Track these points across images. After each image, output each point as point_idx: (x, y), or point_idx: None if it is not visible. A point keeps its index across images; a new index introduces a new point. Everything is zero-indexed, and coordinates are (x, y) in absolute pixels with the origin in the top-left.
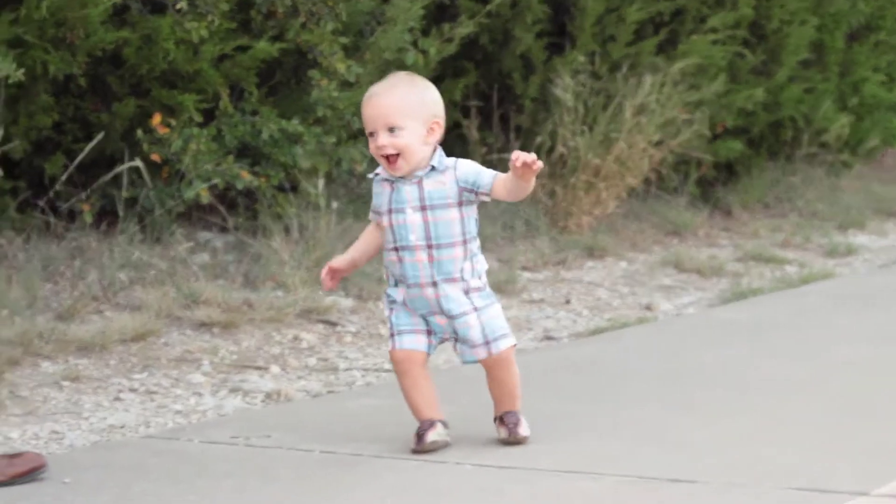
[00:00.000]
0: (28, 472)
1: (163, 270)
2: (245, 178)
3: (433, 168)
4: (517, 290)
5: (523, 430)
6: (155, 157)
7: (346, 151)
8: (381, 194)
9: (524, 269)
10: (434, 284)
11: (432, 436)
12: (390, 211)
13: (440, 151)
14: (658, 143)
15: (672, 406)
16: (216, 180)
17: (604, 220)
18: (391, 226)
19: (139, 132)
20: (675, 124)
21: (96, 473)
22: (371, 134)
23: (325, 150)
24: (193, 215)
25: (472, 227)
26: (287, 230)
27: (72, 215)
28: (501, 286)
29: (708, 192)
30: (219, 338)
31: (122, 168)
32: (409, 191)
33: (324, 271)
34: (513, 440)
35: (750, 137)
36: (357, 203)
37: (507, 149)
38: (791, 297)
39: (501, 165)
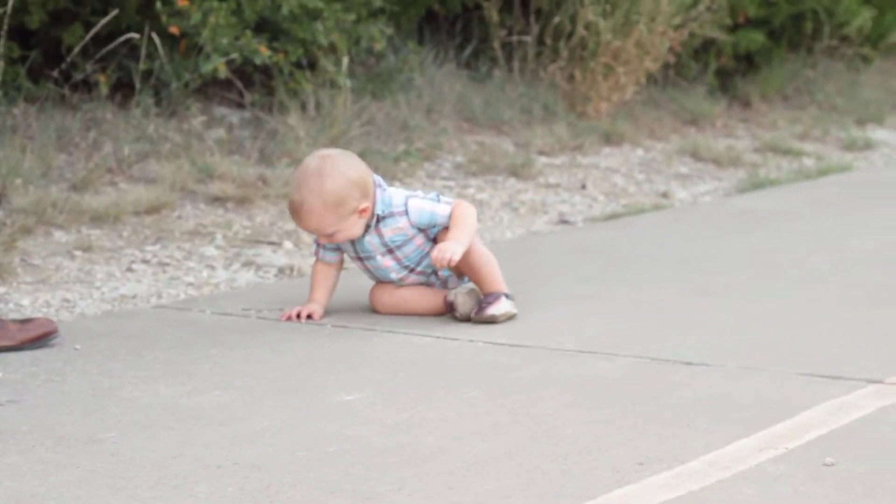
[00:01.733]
0: (39, 337)
1: (178, 144)
2: (263, 53)
3: (379, 218)
4: (533, 173)
5: (493, 309)
6: (173, 30)
7: (365, 29)
8: (341, 243)
9: (541, 153)
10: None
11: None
12: (360, 258)
13: (381, 194)
14: (679, 28)
15: (688, 290)
16: (234, 55)
17: (622, 107)
18: (367, 269)
19: (158, 4)
20: (696, 10)
21: (108, 341)
22: None
23: (344, 27)
24: (210, 90)
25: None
26: (304, 107)
27: (87, 87)
28: (517, 170)
29: (727, 82)
30: (232, 212)
31: (124, 38)
32: (370, 241)
33: (302, 316)
34: (478, 319)
35: (771, 29)
36: (375, 82)
37: (526, 31)
38: (809, 188)
39: (521, 49)
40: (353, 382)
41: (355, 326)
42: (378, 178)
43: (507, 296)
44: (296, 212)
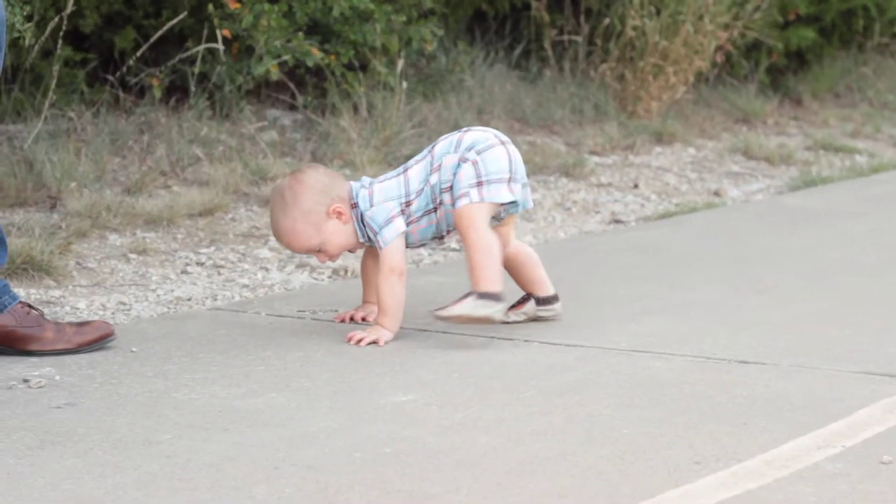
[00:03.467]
0: (96, 340)
1: (231, 147)
2: (315, 55)
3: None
4: (585, 173)
5: (445, 311)
6: (225, 33)
7: (416, 31)
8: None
9: (592, 153)
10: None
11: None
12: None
13: (360, 198)
14: (727, 27)
15: (741, 289)
16: (286, 57)
17: (672, 106)
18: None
19: (210, 7)
20: (745, 9)
21: (164, 343)
22: None
23: (395, 28)
24: (262, 92)
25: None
26: (355, 109)
27: (141, 91)
28: (569, 169)
29: (778, 80)
30: None
31: (199, 49)
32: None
33: (357, 318)
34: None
35: (822, 26)
36: (426, 83)
37: (576, 31)
38: (861, 185)
39: (571, 48)
40: (408, 383)
41: (409, 327)
42: (366, 179)
43: (482, 294)
44: (278, 239)
